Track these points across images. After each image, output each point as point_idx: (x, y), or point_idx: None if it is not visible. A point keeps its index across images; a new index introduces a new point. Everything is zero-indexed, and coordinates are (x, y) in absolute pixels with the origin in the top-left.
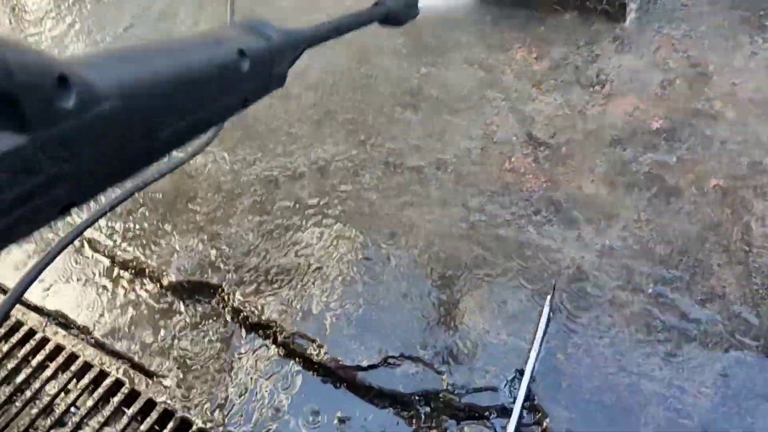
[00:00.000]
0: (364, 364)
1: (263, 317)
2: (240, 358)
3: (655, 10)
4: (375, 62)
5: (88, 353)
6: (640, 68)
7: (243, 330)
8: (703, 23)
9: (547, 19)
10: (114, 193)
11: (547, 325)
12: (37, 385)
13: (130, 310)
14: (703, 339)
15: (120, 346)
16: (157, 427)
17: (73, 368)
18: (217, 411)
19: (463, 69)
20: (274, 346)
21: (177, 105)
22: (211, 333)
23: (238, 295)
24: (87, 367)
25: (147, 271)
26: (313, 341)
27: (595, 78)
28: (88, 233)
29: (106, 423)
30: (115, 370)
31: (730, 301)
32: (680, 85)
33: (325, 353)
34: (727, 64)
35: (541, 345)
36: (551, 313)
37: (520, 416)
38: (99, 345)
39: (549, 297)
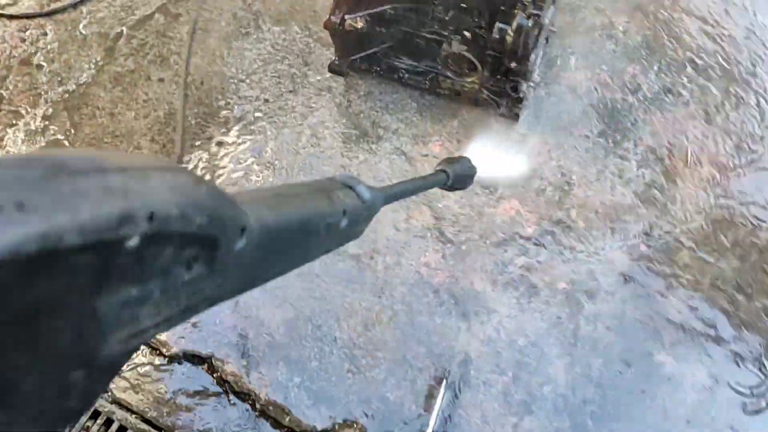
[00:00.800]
0: (318, 427)
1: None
2: None
3: (543, 118)
4: (323, 145)
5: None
6: (524, 173)
7: None
8: (573, 134)
9: (460, 114)
10: None
11: (442, 399)
12: None
13: None
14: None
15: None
16: None
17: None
18: None
19: (393, 159)
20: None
21: (288, 248)
22: None
23: None
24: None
25: None
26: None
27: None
28: None
29: None
30: None
31: (559, 385)
32: (550, 194)
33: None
34: (585, 176)
35: (438, 414)
36: (446, 390)
37: None
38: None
39: (445, 378)
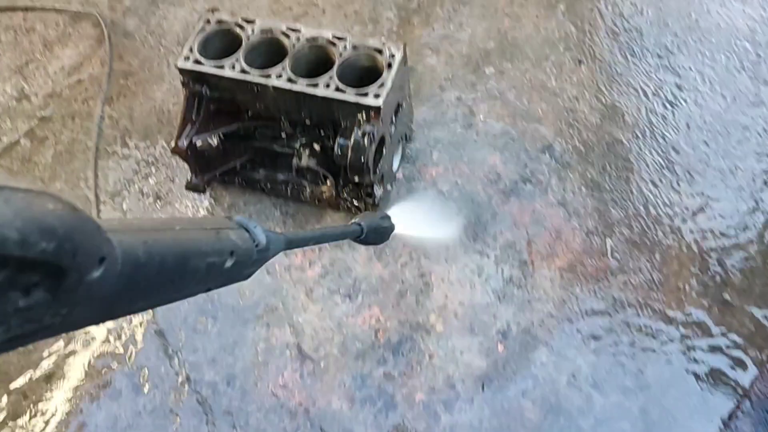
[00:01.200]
0: None
1: None
2: None
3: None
4: None
5: None
6: (386, 277)
7: None
8: (434, 234)
9: (323, 219)
10: None
11: None
12: None
13: None
14: None
15: None
16: None
17: None
18: None
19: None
20: None
21: (158, 282)
22: None
23: None
24: None
25: None
26: None
27: (351, 287)
28: None
29: None
30: None
31: None
32: (410, 298)
33: None
34: (445, 276)
35: None
36: None
37: None
38: None
39: None
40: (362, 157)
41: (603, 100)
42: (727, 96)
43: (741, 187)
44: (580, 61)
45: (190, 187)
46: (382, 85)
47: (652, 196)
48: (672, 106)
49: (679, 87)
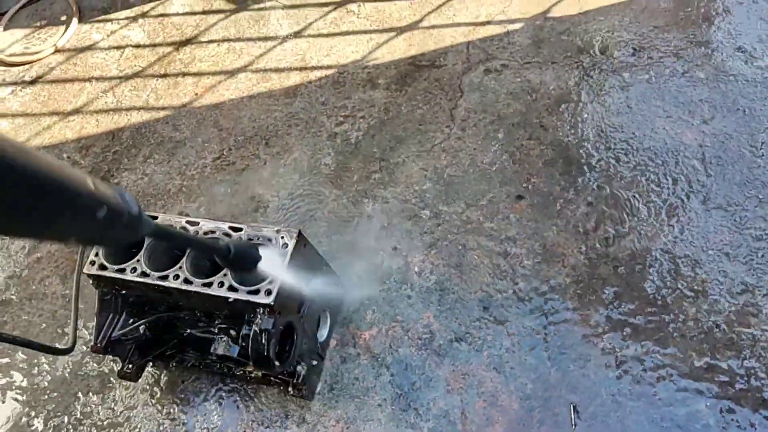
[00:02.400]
0: None
1: None
2: None
3: (337, 389)
4: None
5: None
6: None
7: None
8: (368, 403)
9: (258, 395)
10: None
11: None
12: None
13: None
14: None
15: None
16: None
17: None
18: None
19: None
20: None
21: (26, 204)
22: None
23: None
24: None
25: None
26: None
27: None
28: None
29: None
30: None
31: None
32: None
33: None
34: None
35: None
36: None
37: None
38: None
39: None
40: (264, 352)
41: (540, 241)
42: (675, 227)
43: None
44: (519, 197)
45: (123, 376)
46: (272, 280)
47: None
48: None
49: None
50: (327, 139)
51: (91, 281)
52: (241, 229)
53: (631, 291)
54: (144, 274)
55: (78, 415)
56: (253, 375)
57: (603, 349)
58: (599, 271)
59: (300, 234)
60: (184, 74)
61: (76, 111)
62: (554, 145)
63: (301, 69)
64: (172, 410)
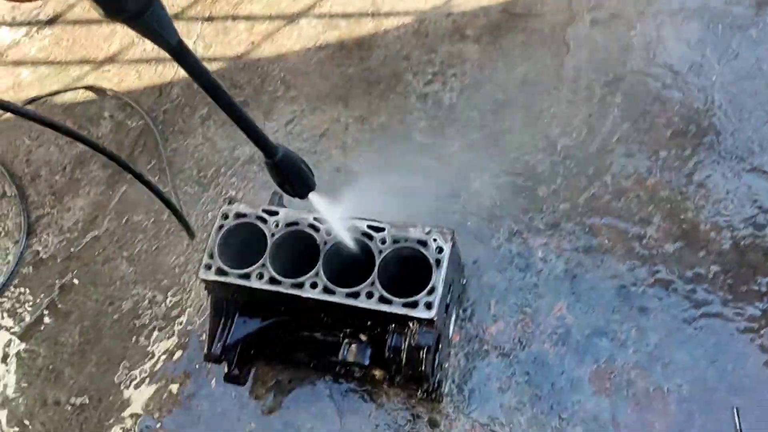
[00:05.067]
0: None
1: None
2: None
3: (467, 390)
4: None
5: None
6: None
7: None
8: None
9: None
10: None
11: None
12: None
13: None
14: None
15: None
16: None
17: None
18: None
19: None
20: None
21: None
22: None
23: None
24: None
25: None
26: None
27: None
28: None
29: None
30: None
31: None
32: None
33: None
34: None
35: None
36: None
37: None
38: None
39: None
40: (419, 369)
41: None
42: None
43: None
44: (648, 172)
45: (229, 379)
46: (432, 290)
47: None
48: None
49: None
50: (416, 101)
51: (204, 285)
52: (383, 229)
53: None
54: (274, 281)
55: None
56: (377, 378)
57: (762, 346)
58: (748, 258)
59: (454, 236)
60: (233, 17)
61: (110, 60)
62: (682, 113)
63: (373, 15)
64: (284, 413)
